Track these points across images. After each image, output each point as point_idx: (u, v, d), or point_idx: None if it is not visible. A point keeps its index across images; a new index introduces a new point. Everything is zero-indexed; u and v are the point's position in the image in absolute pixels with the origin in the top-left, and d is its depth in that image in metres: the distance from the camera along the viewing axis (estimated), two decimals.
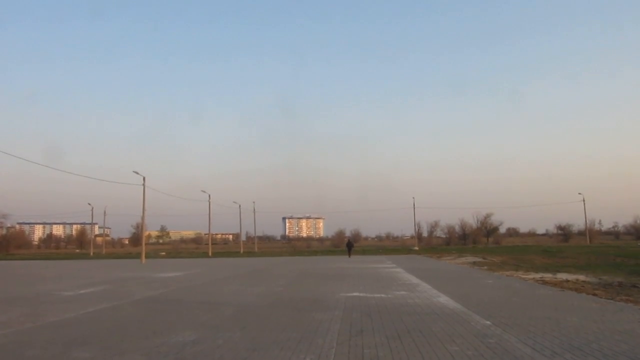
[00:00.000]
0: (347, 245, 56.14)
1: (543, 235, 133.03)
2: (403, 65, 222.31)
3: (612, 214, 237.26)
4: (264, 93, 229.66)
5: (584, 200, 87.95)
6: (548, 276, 21.06)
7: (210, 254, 70.85)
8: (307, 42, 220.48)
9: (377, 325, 9.65)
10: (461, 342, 7.88)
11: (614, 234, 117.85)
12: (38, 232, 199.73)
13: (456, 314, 10.94)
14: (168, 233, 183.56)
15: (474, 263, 33.61)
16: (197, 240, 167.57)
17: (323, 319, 10.47)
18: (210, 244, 78.47)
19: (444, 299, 13.61)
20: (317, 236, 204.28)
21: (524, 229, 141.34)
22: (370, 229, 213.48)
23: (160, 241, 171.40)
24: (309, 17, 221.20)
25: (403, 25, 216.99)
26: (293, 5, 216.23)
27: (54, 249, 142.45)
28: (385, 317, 10.68)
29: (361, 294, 15.42)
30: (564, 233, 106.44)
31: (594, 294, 14.24)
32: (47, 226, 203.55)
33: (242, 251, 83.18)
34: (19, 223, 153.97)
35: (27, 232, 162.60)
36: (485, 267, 28.69)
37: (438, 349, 7.45)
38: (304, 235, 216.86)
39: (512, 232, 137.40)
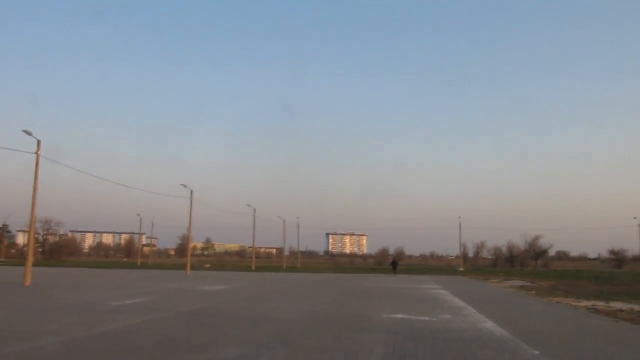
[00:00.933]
0: (392, 263, 59.30)
1: (595, 259, 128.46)
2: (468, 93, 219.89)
3: None
4: (269, 98, 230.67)
5: (639, 225, 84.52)
6: (600, 304, 20.26)
7: (253, 267, 71.40)
8: (309, 51, 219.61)
9: (420, 350, 9.47)
10: None
11: None
12: (88, 241, 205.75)
13: (503, 341, 10.63)
14: (213, 245, 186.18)
15: (522, 287, 32.70)
16: (240, 253, 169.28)
17: (366, 341, 10.36)
18: (254, 257, 79.09)
19: (490, 325, 13.27)
20: (361, 253, 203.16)
21: (574, 252, 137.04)
22: (414, 248, 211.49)
23: (205, 253, 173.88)
24: (309, 26, 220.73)
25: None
26: (293, 7, 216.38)
27: (103, 257, 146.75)
28: (430, 341, 10.47)
29: (405, 316, 15.20)
30: (617, 258, 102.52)
31: None
32: (98, 235, 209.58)
33: (284, 266, 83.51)
34: (71, 231, 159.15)
35: (78, 240, 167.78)
36: (534, 292, 27.86)
37: None
38: (347, 251, 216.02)
39: (562, 256, 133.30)
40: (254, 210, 74.15)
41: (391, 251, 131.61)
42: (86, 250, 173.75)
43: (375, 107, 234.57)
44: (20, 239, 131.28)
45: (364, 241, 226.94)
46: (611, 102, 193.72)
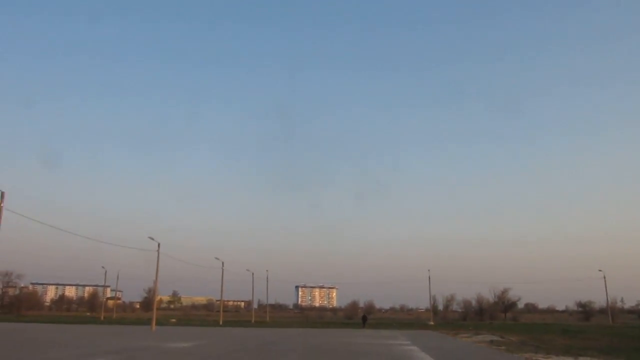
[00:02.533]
0: (362, 318, 67.10)
1: (563, 312, 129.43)
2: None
3: (634, 291, 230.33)
4: (266, 121, 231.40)
5: (604, 278, 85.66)
6: None
7: (221, 322, 69.68)
8: (306, 51, 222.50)
9: None
10: None
11: (637, 312, 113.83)
12: (50, 293, 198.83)
13: None
14: (179, 298, 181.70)
15: (492, 342, 32.52)
16: (208, 307, 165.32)
17: None
18: (221, 312, 77.25)
19: None
20: (330, 306, 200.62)
21: (542, 304, 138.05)
22: (384, 300, 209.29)
23: (172, 306, 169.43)
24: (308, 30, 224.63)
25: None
26: (291, 13, 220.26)
27: (65, 311, 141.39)
28: None
29: None
30: (585, 311, 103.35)
31: None
32: (60, 287, 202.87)
33: (253, 320, 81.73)
34: (32, 283, 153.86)
35: (39, 293, 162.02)
36: (504, 347, 27.71)
37: None
38: (317, 304, 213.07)
39: (531, 308, 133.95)
40: (222, 263, 73.02)
41: (361, 304, 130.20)
42: (47, 304, 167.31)
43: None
44: None
45: (334, 294, 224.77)
46: (573, 155, 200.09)
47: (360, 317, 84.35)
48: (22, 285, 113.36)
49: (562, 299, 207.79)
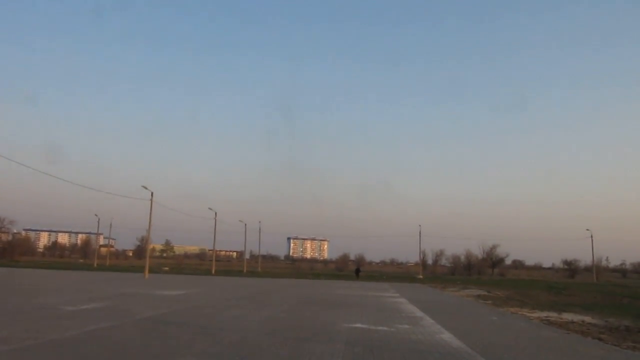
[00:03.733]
0: (356, 271, 70.18)
1: (549, 269, 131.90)
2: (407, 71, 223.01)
3: (619, 251, 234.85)
4: (265, 97, 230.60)
5: (592, 237, 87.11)
6: (553, 315, 20.78)
7: (213, 271, 70.67)
8: (307, 47, 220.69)
9: None
10: None
11: (621, 271, 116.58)
12: (44, 240, 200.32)
13: (459, 354, 10.78)
14: (172, 247, 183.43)
15: (479, 296, 33.27)
16: (200, 256, 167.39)
17: (324, 352, 10.35)
18: (214, 261, 78.23)
19: (447, 336, 13.43)
20: (322, 258, 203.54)
21: (529, 261, 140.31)
22: (374, 254, 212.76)
23: (164, 255, 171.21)
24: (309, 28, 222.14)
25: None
26: (293, 9, 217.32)
27: (59, 257, 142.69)
28: (388, 353, 10.53)
29: (363, 326, 15.26)
30: (570, 268, 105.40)
31: (600, 339, 14.00)
32: (53, 234, 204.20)
33: (245, 270, 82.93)
34: (25, 229, 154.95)
35: (32, 239, 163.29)
36: (490, 302, 28.38)
37: None
38: (308, 256, 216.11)
39: (518, 264, 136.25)
40: (215, 213, 73.48)
41: (352, 257, 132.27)
42: (41, 250, 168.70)
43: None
44: None
45: (326, 246, 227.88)
46: (567, 115, 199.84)
47: (351, 269, 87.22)
48: (15, 231, 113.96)
49: (549, 257, 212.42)
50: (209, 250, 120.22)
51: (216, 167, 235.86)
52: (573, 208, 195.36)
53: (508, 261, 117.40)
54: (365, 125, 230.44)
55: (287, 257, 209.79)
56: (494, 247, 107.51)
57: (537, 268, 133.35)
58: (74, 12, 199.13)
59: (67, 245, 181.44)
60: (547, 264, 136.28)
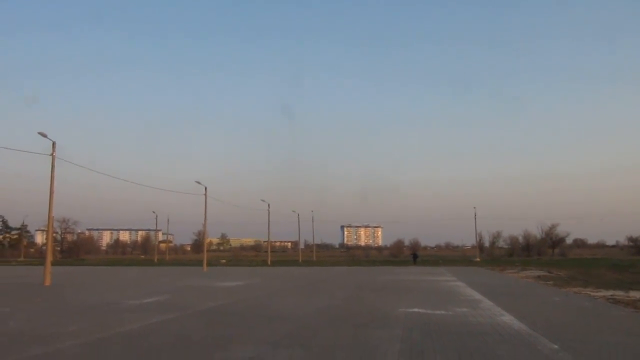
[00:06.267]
0: (413, 256, 70.29)
1: (613, 247, 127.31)
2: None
3: None
4: (292, 100, 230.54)
5: None
6: (620, 294, 20.04)
7: (269, 262, 71.65)
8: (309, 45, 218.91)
9: (438, 346, 9.42)
10: None
11: None
12: (106, 238, 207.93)
13: (521, 335, 10.54)
14: (228, 240, 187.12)
15: (539, 277, 32.46)
16: (256, 248, 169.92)
17: (382, 337, 10.33)
18: (269, 252, 79.32)
19: (508, 318, 13.17)
20: (376, 245, 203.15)
21: (592, 240, 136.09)
22: (429, 239, 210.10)
23: (221, 248, 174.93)
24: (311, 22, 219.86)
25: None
26: (293, 5, 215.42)
27: (121, 254, 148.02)
28: (447, 337, 10.41)
29: (421, 310, 15.14)
30: (636, 245, 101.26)
31: None
32: (115, 232, 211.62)
33: (300, 260, 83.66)
34: (88, 229, 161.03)
35: (95, 238, 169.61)
36: (551, 282, 27.64)
37: None
38: (362, 244, 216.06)
39: (580, 244, 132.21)
40: (269, 205, 74.37)
41: (407, 242, 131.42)
42: (104, 248, 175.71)
43: (379, 103, 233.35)
44: (39, 239, 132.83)
45: (379, 233, 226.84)
46: (623, 74, 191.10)
47: (406, 255, 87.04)
48: (79, 231, 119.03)
49: (613, 234, 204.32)
50: (264, 241, 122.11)
51: (267, 156, 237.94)
52: (636, 180, 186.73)
53: (569, 240, 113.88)
54: (415, 111, 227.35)
55: (342, 245, 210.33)
56: (553, 227, 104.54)
57: (601, 246, 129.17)
58: (75, 7, 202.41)
59: (128, 242, 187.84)
60: (610, 241, 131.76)
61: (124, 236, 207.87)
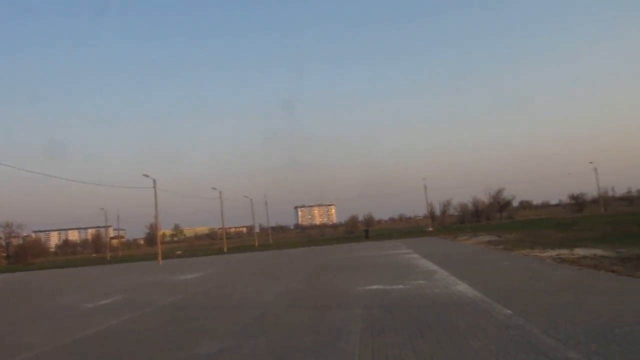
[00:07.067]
0: (365, 232, 74.19)
1: (556, 205, 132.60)
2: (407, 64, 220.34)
3: (625, 179, 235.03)
4: (266, 93, 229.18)
5: (595, 170, 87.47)
6: (565, 253, 20.97)
7: (225, 249, 71.25)
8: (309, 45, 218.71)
9: (398, 322, 9.66)
10: (484, 336, 7.87)
11: (628, 199, 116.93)
12: (54, 239, 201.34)
13: (476, 303, 10.93)
14: (182, 231, 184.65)
15: (489, 242, 33.56)
16: (211, 236, 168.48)
17: (344, 318, 10.51)
18: (224, 240, 78.86)
19: (462, 287, 13.61)
20: (330, 223, 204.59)
21: (537, 200, 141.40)
22: (382, 212, 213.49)
23: (175, 239, 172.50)
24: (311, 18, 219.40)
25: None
26: (295, 6, 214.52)
27: (71, 254, 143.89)
28: (406, 312, 10.69)
29: (379, 287, 15.45)
30: (578, 202, 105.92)
31: (613, 271, 14.15)
32: (63, 232, 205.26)
33: (257, 244, 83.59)
34: (34, 231, 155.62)
35: (43, 240, 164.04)
36: (501, 247, 28.62)
37: (462, 346, 7.45)
38: (317, 222, 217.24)
39: (526, 205, 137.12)
40: (220, 193, 73.72)
41: (360, 218, 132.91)
42: (53, 250, 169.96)
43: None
44: None
45: (333, 211, 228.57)
46: (557, 50, 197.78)
47: (361, 230, 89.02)
48: (25, 234, 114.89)
49: (556, 194, 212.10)
50: (219, 229, 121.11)
51: (215, 144, 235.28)
52: (575, 142, 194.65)
53: (515, 203, 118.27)
54: (363, 84, 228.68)
55: (297, 226, 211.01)
56: (499, 191, 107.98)
57: (545, 206, 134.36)
58: (73, 9, 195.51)
59: (78, 241, 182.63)
60: (554, 201, 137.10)
61: (73, 235, 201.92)
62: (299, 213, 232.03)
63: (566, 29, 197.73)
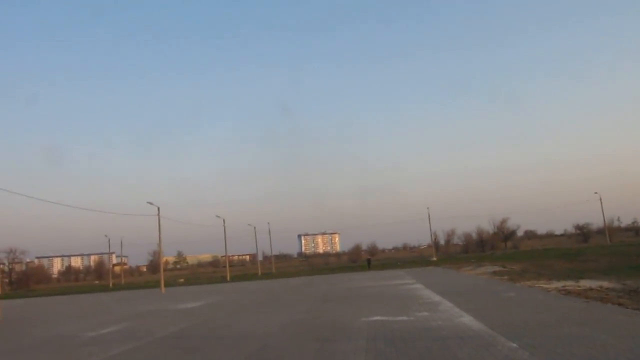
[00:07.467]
0: (367, 261, 73.92)
1: (561, 235, 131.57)
2: (403, 68, 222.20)
3: (631, 209, 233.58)
4: (267, 107, 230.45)
5: (600, 199, 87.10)
6: (570, 284, 20.80)
7: (228, 278, 70.84)
8: (307, 49, 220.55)
9: (401, 354, 9.55)
10: None
11: (633, 230, 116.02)
12: (57, 265, 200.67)
13: (481, 336, 10.80)
14: (185, 258, 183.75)
15: (494, 273, 33.29)
16: (214, 263, 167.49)
17: (347, 350, 10.39)
18: (227, 268, 78.42)
19: (467, 319, 13.46)
20: (334, 251, 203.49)
21: (541, 230, 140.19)
22: (386, 241, 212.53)
23: (178, 266, 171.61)
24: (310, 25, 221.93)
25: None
26: (292, 10, 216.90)
27: (74, 281, 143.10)
28: (410, 344, 10.56)
29: (383, 318, 15.30)
30: (583, 233, 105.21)
31: (620, 304, 14.02)
32: (66, 259, 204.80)
33: (259, 273, 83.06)
34: (37, 257, 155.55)
35: (46, 266, 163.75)
36: (506, 277, 28.39)
37: None
38: (321, 251, 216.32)
39: (530, 235, 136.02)
40: (224, 220, 73.62)
41: (364, 247, 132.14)
42: (55, 276, 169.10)
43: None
44: None
45: (337, 239, 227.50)
46: (570, 81, 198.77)
47: (364, 259, 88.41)
48: (28, 260, 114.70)
49: (561, 224, 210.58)
50: (222, 256, 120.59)
51: (218, 167, 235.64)
52: (580, 171, 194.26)
53: (520, 233, 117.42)
54: (362, 117, 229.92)
55: (300, 254, 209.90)
56: (504, 221, 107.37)
57: (550, 236, 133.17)
58: (72, 8, 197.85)
59: (81, 268, 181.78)
60: (559, 231, 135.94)
61: (76, 262, 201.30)
62: (303, 241, 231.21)
63: (577, 57, 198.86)
